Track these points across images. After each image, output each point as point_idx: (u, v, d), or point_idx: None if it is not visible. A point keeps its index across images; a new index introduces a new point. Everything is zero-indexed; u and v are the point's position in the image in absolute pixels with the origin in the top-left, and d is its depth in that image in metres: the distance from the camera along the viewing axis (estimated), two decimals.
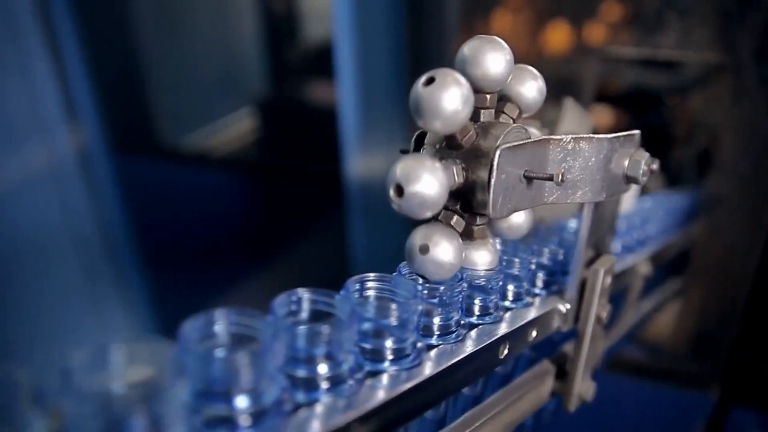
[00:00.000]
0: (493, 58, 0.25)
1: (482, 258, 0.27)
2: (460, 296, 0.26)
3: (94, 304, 0.99)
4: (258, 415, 0.18)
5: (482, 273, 0.27)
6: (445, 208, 0.26)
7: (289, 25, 1.50)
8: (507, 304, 0.30)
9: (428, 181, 0.22)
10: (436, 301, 0.25)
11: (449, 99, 0.22)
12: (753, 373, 0.67)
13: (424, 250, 0.24)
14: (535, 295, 0.32)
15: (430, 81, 0.23)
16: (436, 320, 0.25)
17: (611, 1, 0.72)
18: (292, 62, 1.54)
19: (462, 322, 0.26)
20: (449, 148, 0.26)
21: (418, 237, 0.25)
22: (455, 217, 0.26)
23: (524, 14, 0.76)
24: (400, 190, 0.22)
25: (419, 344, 0.24)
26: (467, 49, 0.25)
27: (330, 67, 0.90)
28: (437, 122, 0.23)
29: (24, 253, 0.86)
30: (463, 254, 0.26)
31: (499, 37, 0.26)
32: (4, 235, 0.83)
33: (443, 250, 0.24)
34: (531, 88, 0.27)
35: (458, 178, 0.25)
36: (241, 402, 0.18)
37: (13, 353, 0.86)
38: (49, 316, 0.91)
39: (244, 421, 0.18)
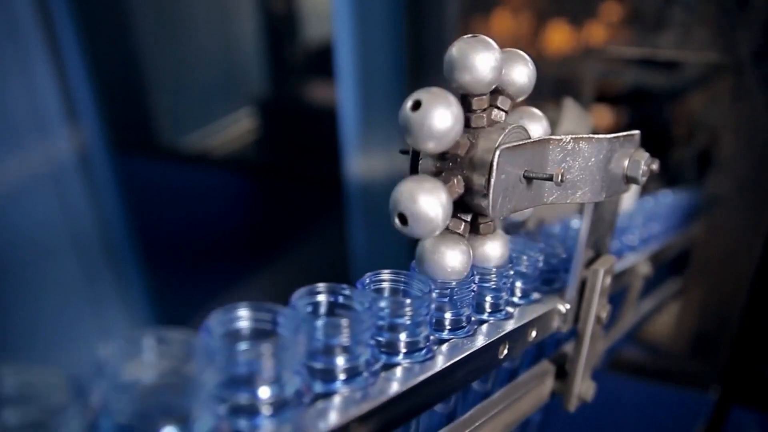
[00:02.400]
0: (482, 60, 0.24)
1: (494, 251, 0.27)
2: (471, 293, 0.26)
3: (94, 304, 0.99)
4: (279, 405, 0.19)
5: (493, 271, 0.28)
6: (446, 175, 0.26)
7: (289, 25, 1.50)
8: (516, 300, 0.31)
9: (432, 206, 0.22)
10: (447, 297, 0.26)
11: (439, 120, 0.22)
12: (753, 373, 0.67)
13: (432, 256, 0.25)
14: (543, 292, 0.32)
15: (417, 105, 0.22)
16: (448, 315, 0.26)
17: (611, 1, 0.72)
18: (292, 62, 1.54)
19: (473, 318, 0.27)
20: (446, 158, 0.25)
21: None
22: (462, 225, 0.26)
23: (524, 14, 0.76)
24: (403, 219, 0.23)
25: (432, 338, 0.25)
26: (455, 51, 0.25)
27: (330, 67, 0.90)
28: (430, 144, 0.23)
29: (24, 253, 0.86)
30: (471, 254, 0.26)
31: (496, 37, 0.26)
32: (4, 235, 0.83)
33: (451, 257, 0.25)
34: (521, 73, 0.27)
35: (459, 189, 0.25)
36: (264, 392, 0.18)
37: (13, 353, 0.86)
38: (49, 316, 0.91)
39: (266, 410, 0.18)
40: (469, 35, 0.25)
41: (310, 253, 1.28)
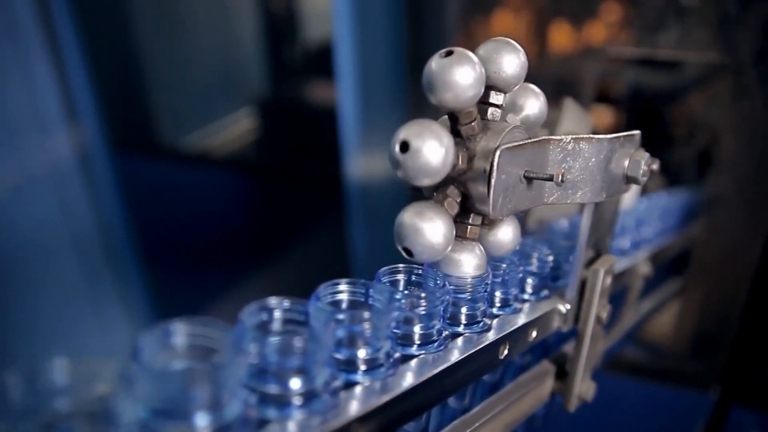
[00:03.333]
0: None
1: (506, 235, 0.28)
2: (485, 291, 0.27)
3: (94, 304, 0.99)
4: (309, 395, 0.19)
5: (504, 267, 0.29)
6: (442, 192, 0.26)
7: (289, 25, 1.50)
8: (526, 296, 0.31)
9: (434, 145, 0.22)
10: (464, 295, 0.26)
11: (463, 73, 0.23)
12: (753, 373, 0.67)
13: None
14: (553, 288, 0.33)
15: (448, 54, 0.23)
16: (464, 310, 0.27)
17: (611, 1, 0.72)
18: (292, 62, 1.54)
19: (487, 311, 0.28)
20: (455, 134, 0.25)
21: (409, 212, 0.24)
22: (469, 228, 0.26)
23: (524, 14, 0.76)
24: (405, 147, 0.22)
25: (445, 332, 0.26)
26: (485, 47, 0.25)
27: (330, 67, 0.90)
28: (449, 94, 0.23)
29: (24, 253, 0.86)
30: (485, 255, 0.27)
31: (494, 37, 0.26)
32: (4, 235, 0.83)
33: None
34: (511, 63, 0.26)
35: (461, 163, 0.25)
36: (295, 383, 0.19)
37: (13, 353, 0.86)
38: (49, 316, 0.91)
39: (296, 400, 0.19)
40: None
41: (310, 253, 1.28)
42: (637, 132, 0.29)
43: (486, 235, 0.28)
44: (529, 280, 0.31)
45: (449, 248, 0.24)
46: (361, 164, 0.91)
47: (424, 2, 0.76)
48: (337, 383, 0.21)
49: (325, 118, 1.04)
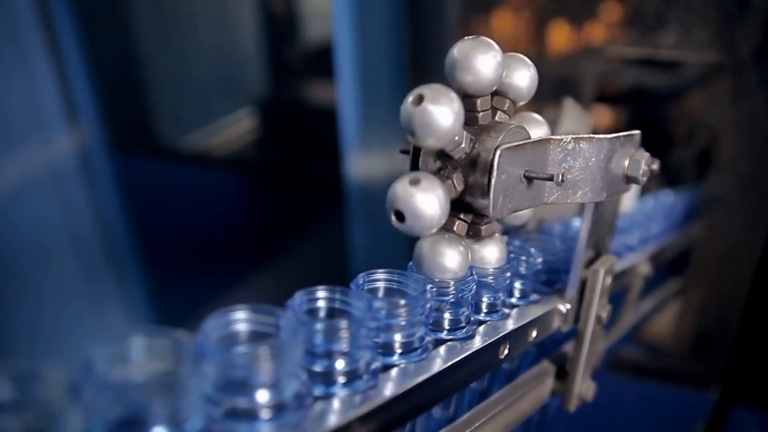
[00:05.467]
0: (483, 62, 0.24)
1: (492, 254, 0.28)
2: (470, 293, 0.26)
3: (94, 304, 0.99)
4: (278, 408, 0.18)
5: (491, 271, 0.28)
6: (442, 175, 0.26)
7: (289, 25, 1.50)
8: (514, 300, 0.31)
9: (429, 203, 0.22)
10: (447, 297, 0.26)
11: (441, 117, 0.22)
12: (753, 373, 0.67)
13: (430, 256, 0.25)
14: (542, 292, 0.32)
15: (419, 100, 0.23)
16: (447, 315, 0.26)
17: (611, 1, 0.72)
18: (292, 62, 1.53)
19: (472, 318, 0.27)
20: (447, 155, 0.25)
21: (424, 249, 0.25)
22: (457, 223, 0.26)
23: (524, 14, 0.76)
24: (400, 216, 0.23)
25: (427, 338, 0.25)
26: (456, 52, 0.25)
27: (330, 67, 0.90)
28: (431, 140, 0.23)
29: (24, 253, 0.86)
30: (470, 255, 0.26)
31: (497, 37, 0.26)
32: (4, 235, 0.83)
33: (449, 258, 0.25)
34: (523, 77, 0.27)
35: (458, 187, 0.25)
36: (262, 396, 0.18)
37: (13, 353, 0.86)
38: (49, 316, 0.91)
39: (264, 414, 0.18)
40: (471, 36, 0.25)
41: (310, 253, 1.28)
42: (637, 132, 0.29)
43: (471, 246, 0.27)
44: (517, 285, 0.31)
45: (440, 223, 0.23)
46: (361, 164, 0.91)
47: (424, 2, 0.76)
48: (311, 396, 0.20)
49: (325, 118, 1.04)
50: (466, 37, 0.25)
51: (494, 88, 0.26)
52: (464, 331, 0.26)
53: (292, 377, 0.19)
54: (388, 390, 0.22)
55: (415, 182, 0.23)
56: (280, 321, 0.20)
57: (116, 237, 1.01)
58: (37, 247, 0.88)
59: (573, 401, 0.34)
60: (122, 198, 1.02)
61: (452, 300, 0.25)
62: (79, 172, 0.92)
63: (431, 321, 0.26)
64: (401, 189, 0.23)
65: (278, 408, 0.18)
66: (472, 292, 0.26)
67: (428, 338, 0.25)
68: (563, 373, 0.35)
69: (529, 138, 0.27)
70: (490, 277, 0.27)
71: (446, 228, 0.26)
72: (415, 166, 0.26)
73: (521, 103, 0.28)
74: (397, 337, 0.23)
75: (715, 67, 0.68)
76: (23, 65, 0.83)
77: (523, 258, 0.30)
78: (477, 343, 0.26)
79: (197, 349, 0.18)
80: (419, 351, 0.24)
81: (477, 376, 0.27)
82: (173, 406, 0.16)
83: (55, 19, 0.86)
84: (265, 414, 0.18)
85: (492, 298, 0.28)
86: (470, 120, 0.26)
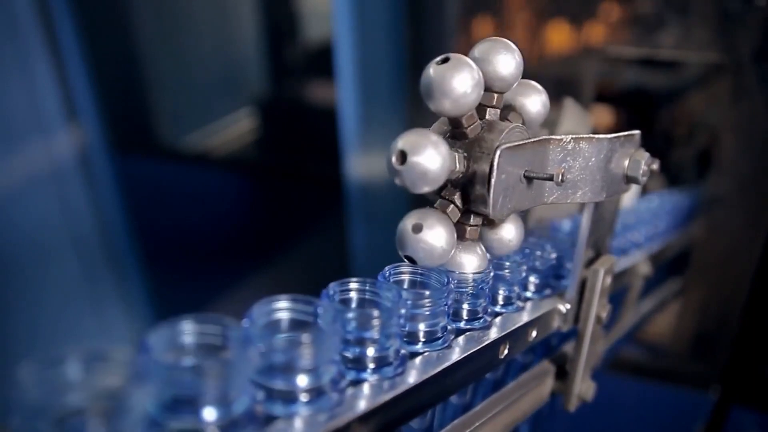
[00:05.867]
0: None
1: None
2: (487, 285, 0.27)
3: (94, 304, 0.99)
4: (316, 392, 0.20)
5: (507, 264, 0.29)
6: (442, 196, 0.26)
7: (289, 25, 1.50)
8: (528, 294, 0.32)
9: (432, 154, 0.22)
10: (467, 288, 0.27)
11: (461, 80, 0.23)
12: (753, 373, 0.67)
13: (417, 229, 0.24)
14: (554, 287, 0.33)
15: (445, 61, 0.23)
16: (466, 306, 0.27)
17: (611, 1, 0.72)
18: (292, 62, 1.53)
19: (489, 309, 0.28)
20: (453, 138, 0.25)
21: (412, 218, 0.25)
22: (451, 206, 0.26)
23: (524, 14, 0.76)
24: (403, 157, 0.23)
25: (449, 327, 0.26)
26: (479, 48, 0.25)
27: (330, 67, 0.90)
28: (447, 101, 0.23)
29: (24, 253, 0.86)
30: (486, 255, 0.27)
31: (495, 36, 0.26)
32: (4, 235, 0.83)
33: (437, 234, 0.24)
34: (535, 102, 0.28)
35: (459, 167, 0.25)
36: (302, 380, 0.19)
37: (13, 353, 0.86)
38: (49, 316, 0.92)
39: (303, 397, 0.20)
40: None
41: (310, 253, 1.28)
42: (637, 132, 0.29)
43: (488, 234, 0.28)
44: (532, 279, 0.31)
45: (450, 253, 0.25)
46: (361, 164, 0.91)
47: (424, 2, 0.76)
48: (345, 382, 0.21)
49: (325, 118, 1.04)
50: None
51: (509, 88, 0.26)
52: (481, 321, 0.27)
53: (330, 363, 0.20)
54: (413, 377, 0.23)
55: (417, 229, 0.24)
56: (319, 310, 0.21)
57: (116, 237, 1.01)
58: (37, 247, 0.88)
59: (573, 401, 0.34)
60: (122, 198, 1.02)
61: (471, 292, 0.27)
62: (79, 172, 0.92)
63: (451, 311, 0.27)
64: (409, 133, 0.23)
65: (316, 392, 0.20)
66: (489, 284, 0.27)
67: (450, 327, 0.26)
68: (563, 373, 0.35)
69: (528, 137, 0.27)
70: (507, 270, 0.29)
71: (459, 237, 0.26)
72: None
73: (512, 86, 0.27)
74: (422, 327, 0.24)
75: (715, 67, 0.68)
76: (23, 65, 0.83)
77: (538, 253, 0.31)
78: (473, 345, 0.26)
79: (244, 335, 0.19)
80: (441, 340, 0.25)
81: (475, 377, 0.27)
82: (222, 388, 0.17)
83: (55, 19, 0.86)
84: (303, 397, 0.19)
85: (507, 291, 0.29)
86: (458, 136, 0.25)
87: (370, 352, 0.22)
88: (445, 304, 0.25)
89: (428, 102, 0.24)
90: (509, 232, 0.28)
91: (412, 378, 0.23)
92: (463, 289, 0.26)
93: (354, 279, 0.24)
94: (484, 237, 0.28)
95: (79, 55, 0.91)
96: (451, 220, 0.26)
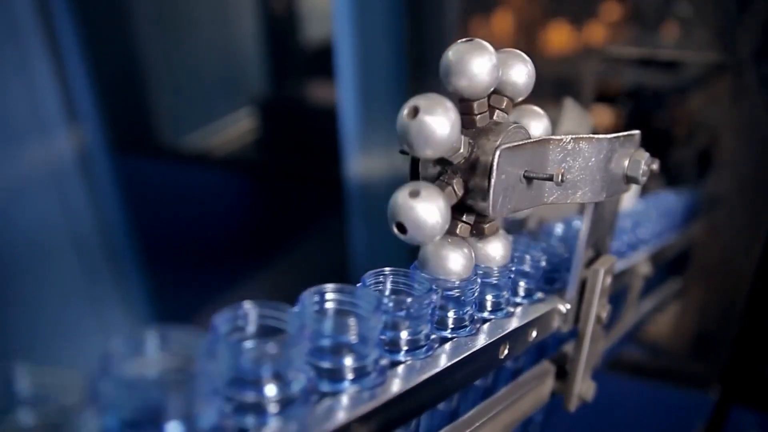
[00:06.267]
0: (478, 65, 0.24)
1: (496, 251, 0.28)
2: (474, 292, 0.26)
3: (94, 304, 0.99)
4: (286, 402, 0.19)
5: (495, 270, 0.28)
6: (442, 180, 0.26)
7: (289, 25, 1.50)
8: (518, 299, 0.31)
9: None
10: (452, 293, 0.26)
11: (437, 127, 0.22)
12: (753, 373, 0.67)
13: (415, 194, 0.23)
14: (546, 291, 0.32)
15: (414, 112, 0.22)
16: (451, 314, 0.26)
17: (611, 1, 0.72)
18: (292, 62, 1.54)
19: (475, 316, 0.27)
20: (446, 162, 0.25)
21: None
22: (460, 225, 0.26)
23: (524, 14, 0.76)
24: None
25: (433, 336, 0.25)
26: (451, 56, 0.25)
27: (330, 67, 0.90)
28: (428, 151, 0.23)
29: (24, 253, 0.86)
30: (473, 256, 0.27)
31: (497, 37, 0.26)
32: (4, 235, 0.83)
33: (454, 262, 0.25)
34: (520, 73, 0.27)
35: (459, 192, 0.25)
36: (270, 390, 0.19)
37: (13, 353, 0.86)
38: (49, 316, 0.91)
39: (272, 408, 0.19)
40: (465, 39, 0.25)
41: (310, 253, 1.28)
42: (637, 132, 0.29)
43: (475, 245, 0.27)
44: (522, 283, 0.31)
45: (443, 231, 0.23)
46: (361, 164, 0.91)
47: (424, 2, 0.76)
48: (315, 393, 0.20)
49: (325, 118, 1.04)
50: (460, 41, 0.25)
51: (491, 90, 0.26)
52: (468, 329, 0.26)
53: (299, 372, 0.19)
54: (395, 386, 0.22)
55: (414, 194, 0.23)
56: (288, 317, 0.20)
57: (116, 237, 1.01)
58: (37, 247, 0.88)
59: (573, 401, 0.34)
60: (122, 198, 1.02)
61: (457, 299, 0.26)
62: (79, 172, 0.92)
63: (436, 319, 0.26)
64: (401, 201, 0.23)
65: (286, 402, 0.19)
66: (476, 291, 0.27)
67: (433, 336, 0.25)
68: (563, 373, 0.35)
69: (529, 137, 0.27)
70: (495, 277, 0.28)
71: (449, 231, 0.26)
72: (414, 173, 0.26)
73: (519, 99, 0.28)
74: (404, 335, 0.24)
75: (715, 67, 0.68)
76: (23, 65, 0.83)
77: (528, 257, 0.30)
78: (481, 341, 0.26)
79: (209, 345, 0.18)
80: (425, 348, 0.24)
81: (475, 377, 0.27)
82: (187, 402, 0.16)
83: (55, 19, 0.86)
84: (272, 408, 0.18)
85: (496, 297, 0.28)
86: (467, 123, 0.25)
87: (348, 361, 0.21)
88: (428, 312, 0.24)
89: (446, 80, 0.25)
90: (496, 250, 0.28)
91: (396, 387, 0.22)
92: (449, 295, 0.26)
93: (330, 285, 0.23)
94: (472, 246, 0.27)
95: (79, 55, 0.91)
96: (464, 240, 0.26)
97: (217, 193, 1.43)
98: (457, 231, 0.26)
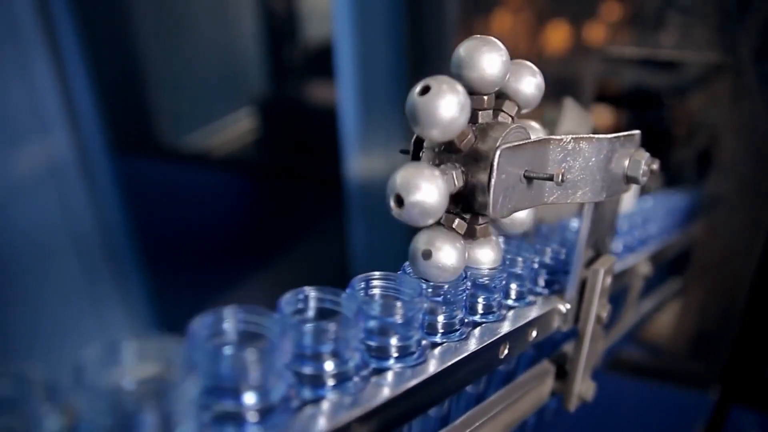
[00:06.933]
0: (489, 60, 0.25)
1: (486, 256, 0.27)
2: (464, 295, 0.26)
3: (94, 304, 0.99)
4: (265, 411, 0.18)
5: (486, 272, 0.27)
6: (447, 211, 0.26)
7: (289, 25, 1.50)
8: (510, 302, 0.30)
9: (428, 190, 0.22)
10: (440, 299, 0.25)
11: (446, 107, 0.22)
12: (753, 373, 0.67)
13: (427, 255, 0.25)
14: (538, 294, 0.32)
15: (426, 90, 0.23)
16: (441, 318, 0.25)
17: (611, 1, 0.72)
18: (292, 62, 1.54)
19: (466, 320, 0.27)
20: (448, 151, 0.25)
21: (420, 242, 0.25)
22: (456, 220, 0.26)
23: (524, 14, 0.76)
24: (400, 201, 0.23)
25: (424, 342, 0.25)
26: (462, 50, 0.25)
27: (330, 67, 0.90)
28: (435, 131, 0.23)
29: (24, 253, 0.86)
30: (466, 254, 0.26)
31: (496, 37, 0.26)
32: (4, 235, 0.83)
33: (446, 254, 0.25)
34: (529, 84, 0.27)
35: (458, 182, 0.25)
36: (249, 398, 0.18)
37: (13, 353, 0.86)
38: (49, 316, 0.91)
39: (251, 417, 0.18)
40: (478, 35, 0.25)
41: (310, 253, 1.28)
42: (637, 132, 0.29)
43: (467, 247, 0.27)
44: (514, 286, 0.30)
45: (439, 211, 0.23)
46: (361, 164, 0.91)
47: (424, 2, 0.76)
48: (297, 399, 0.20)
49: (325, 118, 1.04)
50: (473, 36, 0.25)
51: (498, 88, 0.26)
52: (458, 333, 0.26)
53: (279, 379, 0.19)
54: (382, 393, 0.21)
55: (416, 170, 0.23)
56: (268, 322, 0.19)
57: (116, 237, 1.01)
58: (37, 247, 0.88)
59: (573, 401, 0.34)
60: (122, 198, 1.02)
61: (446, 301, 0.25)
62: (79, 172, 0.92)
63: (426, 324, 0.25)
64: (402, 175, 0.23)
65: (265, 411, 0.18)
66: (467, 293, 0.26)
67: (424, 342, 0.25)
68: (563, 373, 0.35)
69: (527, 137, 0.27)
70: (486, 278, 0.27)
71: (445, 225, 0.26)
72: (416, 156, 0.26)
73: (526, 111, 0.28)
74: (393, 341, 0.23)
75: (715, 67, 0.68)
76: (23, 65, 0.83)
77: (520, 259, 0.30)
78: (473, 345, 0.26)
79: (186, 353, 0.17)
80: (416, 355, 0.23)
81: (475, 377, 0.27)
82: (164, 412, 0.16)
83: (55, 19, 0.86)
84: (252, 417, 0.18)
85: (488, 300, 0.28)
86: (472, 117, 0.26)
87: (329, 367, 0.20)
88: (418, 316, 0.23)
89: (415, 130, 0.24)
90: (485, 255, 0.28)
91: (383, 393, 0.21)
92: (438, 299, 0.25)
93: (311, 288, 0.22)
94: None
95: (79, 55, 0.91)
96: (459, 235, 0.26)
97: (217, 193, 1.43)
98: (454, 225, 0.26)
